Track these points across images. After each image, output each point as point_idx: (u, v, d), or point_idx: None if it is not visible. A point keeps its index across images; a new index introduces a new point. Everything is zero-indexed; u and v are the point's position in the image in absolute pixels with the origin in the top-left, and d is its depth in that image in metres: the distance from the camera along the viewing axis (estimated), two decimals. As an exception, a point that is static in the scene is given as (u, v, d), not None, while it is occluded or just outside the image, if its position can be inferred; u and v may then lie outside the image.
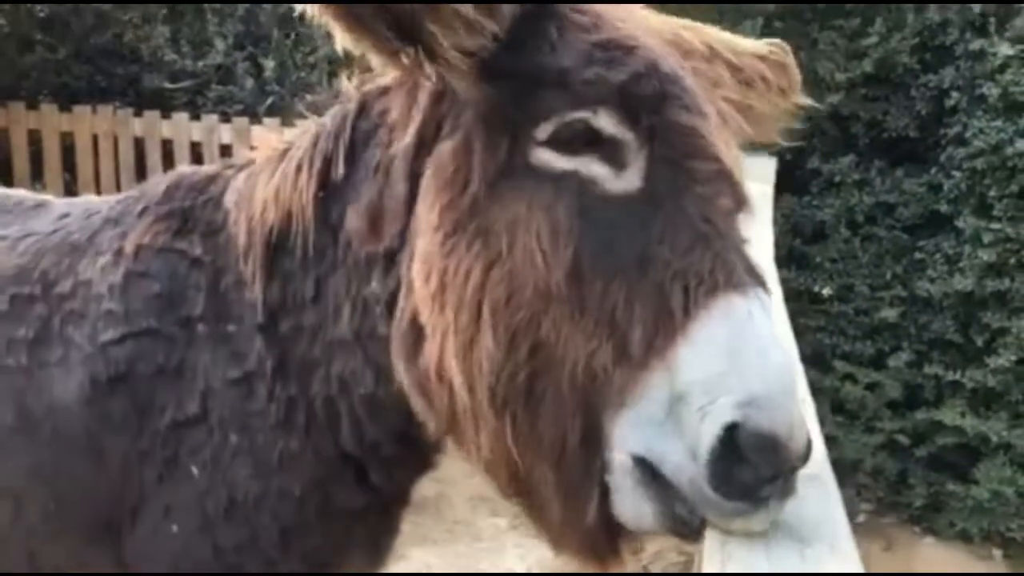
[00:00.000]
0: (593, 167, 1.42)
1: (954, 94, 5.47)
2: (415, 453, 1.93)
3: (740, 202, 1.45)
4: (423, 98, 1.60)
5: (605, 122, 1.42)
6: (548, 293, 1.39)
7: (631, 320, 1.34)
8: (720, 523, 1.31)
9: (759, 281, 1.37)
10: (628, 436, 1.34)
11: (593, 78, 1.43)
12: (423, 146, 1.59)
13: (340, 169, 1.77)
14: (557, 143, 1.43)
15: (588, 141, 1.42)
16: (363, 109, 1.79)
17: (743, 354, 1.27)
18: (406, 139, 1.62)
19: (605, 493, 1.39)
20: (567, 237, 1.39)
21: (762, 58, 1.83)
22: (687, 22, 1.75)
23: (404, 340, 1.62)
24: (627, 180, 1.42)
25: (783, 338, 1.36)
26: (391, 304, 1.68)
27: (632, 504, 1.37)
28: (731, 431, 1.24)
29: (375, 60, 1.52)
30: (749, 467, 1.25)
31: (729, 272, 1.34)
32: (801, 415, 1.29)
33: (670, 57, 1.51)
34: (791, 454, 1.27)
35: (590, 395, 1.37)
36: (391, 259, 1.69)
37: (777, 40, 1.88)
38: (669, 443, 1.30)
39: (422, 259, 1.52)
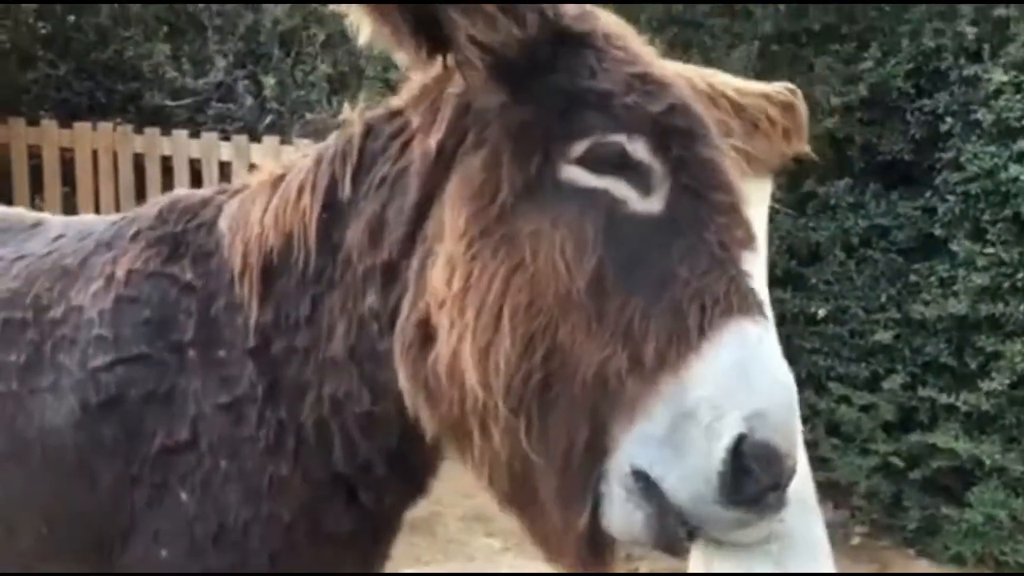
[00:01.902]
0: (621, 188, 1.48)
1: (948, 119, 5.51)
2: (407, 475, 1.93)
3: (750, 237, 1.52)
4: (447, 110, 1.66)
5: (639, 148, 1.49)
6: (567, 301, 1.44)
7: (647, 334, 1.39)
8: (719, 535, 1.36)
9: (763, 311, 1.44)
10: (632, 448, 1.38)
11: (632, 105, 1.51)
12: (442, 155, 1.64)
13: (347, 190, 1.80)
14: (589, 162, 1.50)
15: (619, 164, 1.49)
16: (370, 131, 1.82)
17: (752, 373, 1.34)
18: (427, 147, 1.66)
19: (596, 502, 1.43)
20: (592, 249, 1.45)
21: (767, 97, 1.87)
22: (690, 66, 1.81)
23: (410, 343, 1.64)
24: (651, 204, 1.48)
25: (785, 365, 1.41)
26: (392, 317, 1.70)
27: (622, 514, 1.40)
28: (739, 442, 1.29)
29: (401, 55, 1.62)
30: (752, 478, 1.30)
31: (743, 297, 1.40)
32: (799, 434, 1.37)
33: (696, 99, 1.61)
34: (789, 466, 1.33)
35: (600, 404, 1.41)
36: (391, 270, 1.71)
37: (787, 84, 1.91)
38: (673, 459, 1.34)
39: (445, 262, 1.56)
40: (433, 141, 1.65)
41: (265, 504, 1.86)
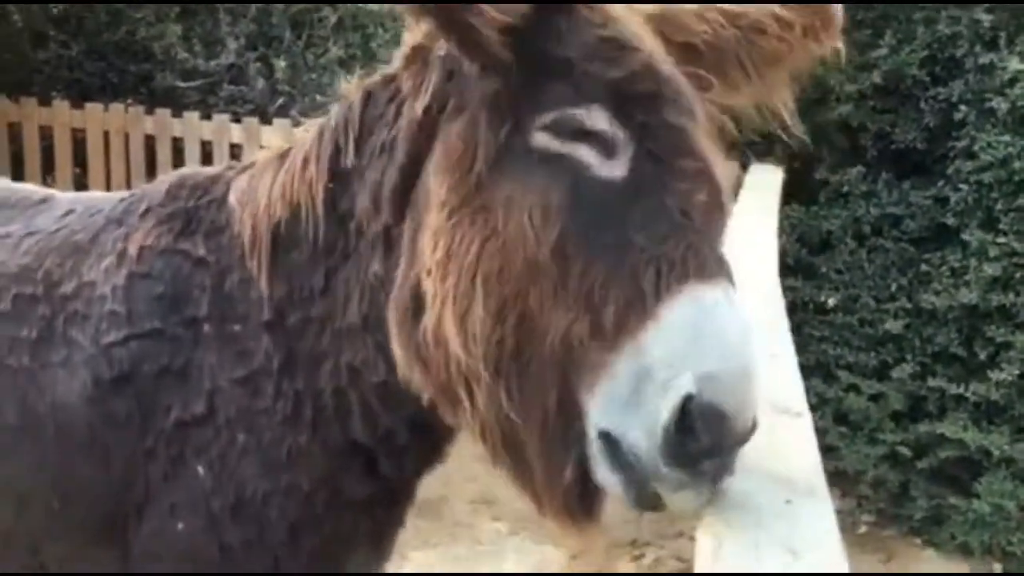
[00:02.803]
0: (584, 153, 1.49)
1: (963, 107, 5.47)
2: (428, 441, 1.95)
3: (717, 200, 1.52)
4: (432, 74, 1.68)
5: (598, 118, 1.50)
6: (535, 268, 1.47)
7: (606, 299, 1.41)
8: (665, 497, 1.40)
9: (727, 275, 1.44)
10: (597, 411, 1.42)
11: (593, 72, 1.51)
12: (427, 119, 1.67)
13: (350, 158, 1.81)
14: (555, 130, 1.51)
15: (582, 132, 1.50)
16: (369, 98, 1.83)
17: (705, 335, 1.36)
18: (414, 111, 1.69)
19: (583, 460, 1.47)
20: (555, 216, 1.47)
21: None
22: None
23: (403, 312, 1.68)
24: (614, 169, 1.49)
25: (748, 328, 1.42)
26: (392, 282, 1.72)
27: (602, 476, 1.45)
28: (687, 402, 1.32)
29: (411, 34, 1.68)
30: (694, 437, 1.33)
31: (701, 262, 1.41)
32: (754, 398, 1.37)
33: (666, 61, 1.59)
34: (737, 430, 1.35)
35: (568, 367, 1.45)
36: (390, 235, 1.74)
37: None
38: (630, 419, 1.38)
39: (431, 231, 1.60)
40: (419, 106, 1.68)
41: (284, 475, 1.88)
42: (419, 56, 1.73)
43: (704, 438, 1.33)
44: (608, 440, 1.42)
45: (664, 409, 1.33)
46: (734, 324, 1.39)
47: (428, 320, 1.60)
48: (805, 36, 1.78)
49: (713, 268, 1.42)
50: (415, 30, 1.74)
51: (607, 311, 1.41)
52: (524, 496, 1.64)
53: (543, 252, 1.46)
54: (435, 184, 1.62)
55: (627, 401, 1.38)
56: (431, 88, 1.67)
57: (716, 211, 1.51)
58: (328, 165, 1.84)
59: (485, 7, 1.47)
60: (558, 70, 1.53)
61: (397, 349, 1.71)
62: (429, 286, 1.60)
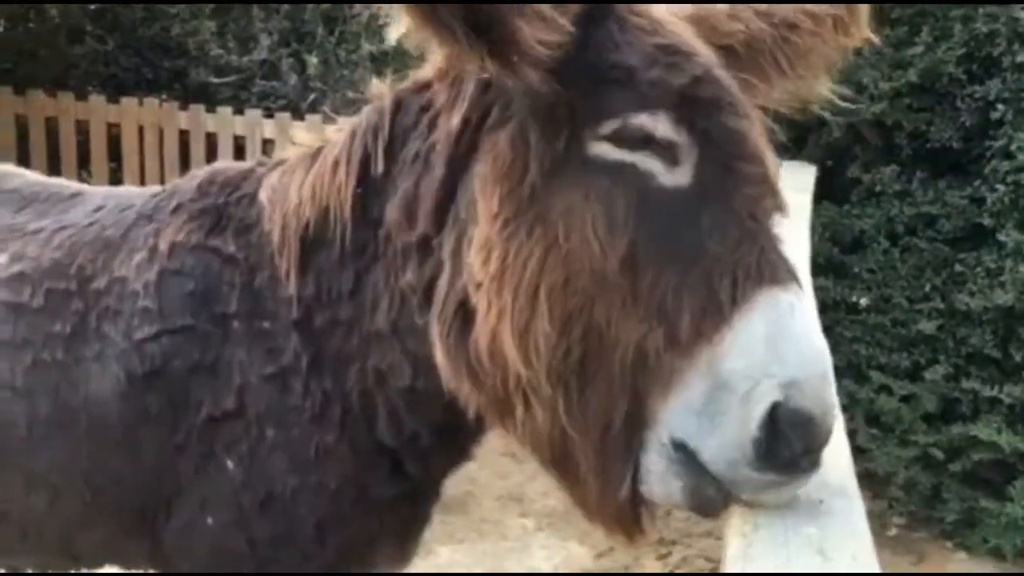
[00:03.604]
0: (648, 162, 1.48)
1: (1000, 106, 5.39)
2: (454, 443, 1.95)
3: (780, 204, 1.52)
4: (469, 87, 1.65)
5: (663, 125, 1.48)
6: (603, 279, 1.46)
7: (680, 308, 1.40)
8: (752, 496, 1.39)
9: (797, 279, 1.44)
10: (671, 420, 1.41)
11: (656, 79, 1.50)
12: (466, 131, 1.65)
13: (379, 165, 1.81)
14: (616, 139, 1.50)
15: (646, 140, 1.48)
16: (400, 105, 1.82)
17: (785, 342, 1.35)
18: (450, 124, 1.66)
19: (636, 471, 1.47)
20: (623, 226, 1.46)
21: None
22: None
23: (450, 324, 1.66)
24: (679, 176, 1.48)
25: (819, 331, 1.43)
26: (428, 292, 1.71)
27: (661, 483, 1.45)
28: (774, 410, 1.32)
29: (441, 53, 1.61)
30: (786, 442, 1.33)
31: (773, 268, 1.41)
32: (834, 399, 1.39)
33: (721, 66, 1.58)
34: (824, 431, 1.36)
35: (638, 378, 1.44)
36: (426, 246, 1.73)
37: None
38: (709, 428, 1.37)
39: (481, 244, 1.57)
40: (456, 119, 1.66)
41: (312, 472, 1.89)
42: (447, 76, 1.71)
43: (796, 443, 1.34)
44: (683, 450, 1.41)
45: (752, 418, 1.34)
46: (811, 327, 1.40)
47: (480, 334, 1.58)
48: (836, 29, 1.79)
49: (784, 272, 1.43)
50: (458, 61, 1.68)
51: (682, 320, 1.40)
52: (573, 502, 1.64)
53: (611, 263, 1.45)
54: (484, 195, 1.59)
55: (703, 411, 1.38)
56: (468, 99, 1.65)
57: (780, 215, 1.51)
58: (358, 170, 1.84)
59: (527, 34, 1.43)
60: (618, 78, 1.51)
61: (443, 361, 1.68)
62: (481, 299, 1.57)
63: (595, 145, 1.51)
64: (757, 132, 1.55)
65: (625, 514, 1.52)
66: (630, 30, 1.54)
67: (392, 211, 1.79)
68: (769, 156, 1.55)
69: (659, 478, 1.44)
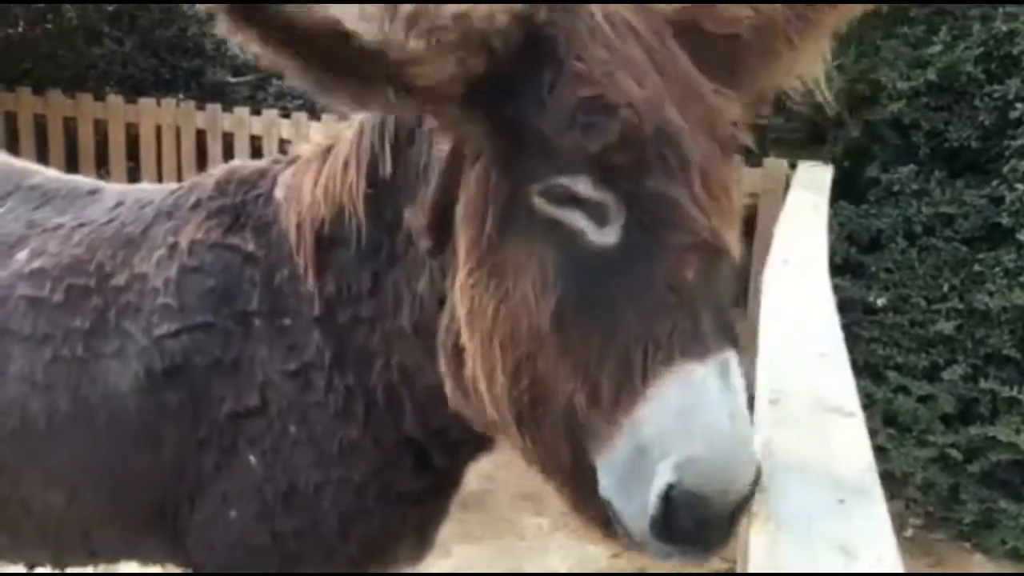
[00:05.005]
0: (578, 220, 1.45)
1: (1019, 105, 5.35)
2: (483, 435, 1.96)
3: (716, 264, 1.44)
4: (454, 109, 1.58)
5: (584, 187, 1.43)
6: (538, 334, 1.46)
7: (602, 372, 1.41)
8: (662, 561, 1.44)
9: (725, 342, 1.39)
10: (603, 479, 1.44)
11: (571, 146, 1.42)
12: (456, 156, 1.62)
13: (387, 168, 1.81)
14: (548, 195, 1.46)
15: (572, 198, 1.44)
16: None
17: (691, 418, 1.33)
18: (443, 149, 1.66)
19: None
20: (552, 283, 1.45)
21: None
22: None
23: (450, 356, 1.71)
24: (607, 236, 1.44)
25: (740, 403, 1.39)
26: (442, 301, 1.74)
27: (618, 524, 1.48)
28: (669, 490, 1.33)
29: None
30: (680, 521, 1.35)
31: (688, 341, 1.37)
32: (746, 471, 1.35)
33: (668, 107, 1.43)
34: (719, 511, 1.35)
35: (575, 432, 1.46)
36: (435, 259, 1.75)
37: None
38: (628, 496, 1.40)
39: (459, 288, 1.60)
40: (446, 145, 1.65)
41: (336, 467, 1.90)
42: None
43: (686, 524, 1.34)
44: (611, 508, 1.45)
45: (650, 500, 1.36)
46: (721, 404, 1.35)
47: (467, 366, 1.63)
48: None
49: (706, 342, 1.37)
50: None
51: (604, 384, 1.40)
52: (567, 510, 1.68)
53: (543, 319, 1.45)
54: (461, 235, 1.60)
55: (625, 475, 1.40)
56: (452, 127, 1.60)
57: (715, 274, 1.44)
58: (367, 171, 1.85)
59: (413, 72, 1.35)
60: (537, 144, 1.45)
61: (447, 382, 1.75)
62: (465, 337, 1.62)
63: (536, 200, 1.47)
64: (687, 196, 1.42)
65: (602, 527, 1.54)
66: (561, 80, 1.43)
67: (409, 216, 1.80)
68: (701, 221, 1.42)
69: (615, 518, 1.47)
